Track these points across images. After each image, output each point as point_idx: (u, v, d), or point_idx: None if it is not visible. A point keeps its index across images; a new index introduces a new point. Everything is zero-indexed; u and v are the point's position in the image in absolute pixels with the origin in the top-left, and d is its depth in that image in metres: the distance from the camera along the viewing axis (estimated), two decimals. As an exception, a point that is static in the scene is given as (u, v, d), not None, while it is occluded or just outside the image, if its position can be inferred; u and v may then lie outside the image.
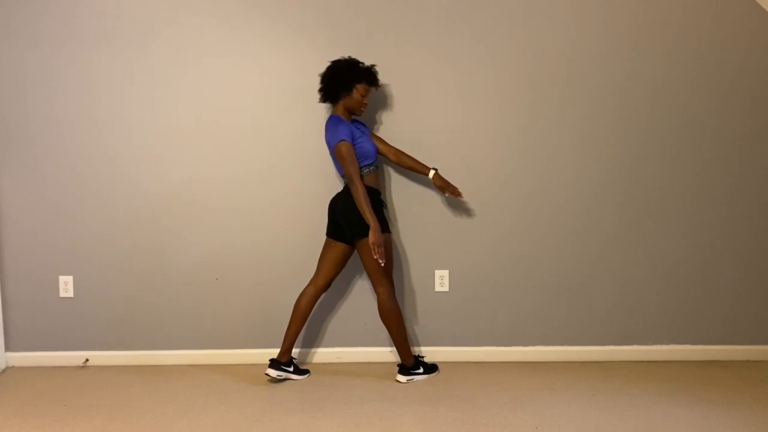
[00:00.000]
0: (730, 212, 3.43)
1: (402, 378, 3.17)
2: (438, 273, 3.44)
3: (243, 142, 3.36)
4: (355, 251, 3.17)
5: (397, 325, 3.16)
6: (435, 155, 3.35)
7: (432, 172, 3.23)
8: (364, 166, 3.09)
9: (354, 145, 3.03)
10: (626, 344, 3.48)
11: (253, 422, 2.73)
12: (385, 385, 3.14)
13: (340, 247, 3.16)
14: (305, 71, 3.29)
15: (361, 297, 3.43)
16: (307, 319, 3.20)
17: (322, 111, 3.31)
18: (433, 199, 3.39)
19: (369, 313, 3.36)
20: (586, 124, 3.38)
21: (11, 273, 3.38)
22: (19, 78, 3.29)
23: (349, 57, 3.12)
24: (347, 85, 3.05)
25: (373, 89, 3.15)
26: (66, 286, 3.38)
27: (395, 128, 3.35)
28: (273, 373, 3.14)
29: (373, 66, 3.11)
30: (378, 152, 3.21)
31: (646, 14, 3.32)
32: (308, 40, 3.30)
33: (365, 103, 3.11)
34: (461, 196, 3.26)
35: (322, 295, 3.24)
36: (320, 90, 3.13)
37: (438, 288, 3.44)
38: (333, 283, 3.23)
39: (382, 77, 3.21)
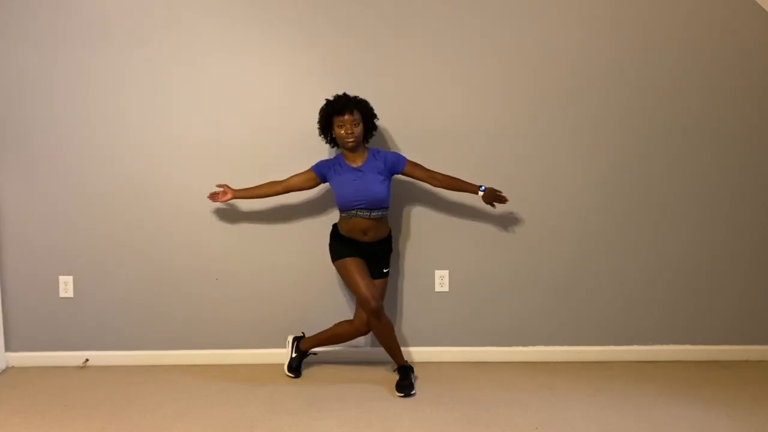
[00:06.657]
0: (730, 212, 3.42)
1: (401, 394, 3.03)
2: (438, 273, 3.44)
3: (244, 143, 3.35)
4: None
5: (391, 337, 3.13)
6: (435, 154, 3.34)
7: (481, 192, 3.13)
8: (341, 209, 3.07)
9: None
10: (626, 344, 3.48)
11: (253, 422, 2.73)
12: (385, 385, 3.14)
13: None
14: (306, 71, 3.30)
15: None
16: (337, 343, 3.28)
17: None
18: (433, 199, 3.38)
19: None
20: (588, 125, 3.38)
21: (11, 273, 3.38)
22: (18, 79, 3.29)
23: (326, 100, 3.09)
24: (326, 125, 3.09)
25: (348, 116, 3.00)
26: (66, 286, 3.38)
27: (394, 127, 3.35)
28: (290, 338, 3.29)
29: (336, 95, 3.06)
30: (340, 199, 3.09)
31: (648, 14, 3.31)
32: (309, 39, 3.30)
33: (350, 132, 3.01)
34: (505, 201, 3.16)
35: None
36: (327, 143, 3.17)
37: (438, 288, 3.44)
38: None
39: (384, 75, 3.20)
